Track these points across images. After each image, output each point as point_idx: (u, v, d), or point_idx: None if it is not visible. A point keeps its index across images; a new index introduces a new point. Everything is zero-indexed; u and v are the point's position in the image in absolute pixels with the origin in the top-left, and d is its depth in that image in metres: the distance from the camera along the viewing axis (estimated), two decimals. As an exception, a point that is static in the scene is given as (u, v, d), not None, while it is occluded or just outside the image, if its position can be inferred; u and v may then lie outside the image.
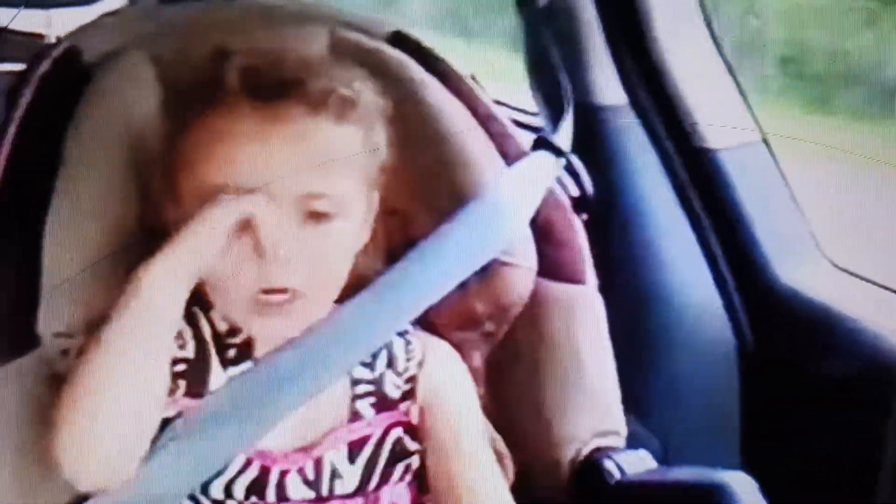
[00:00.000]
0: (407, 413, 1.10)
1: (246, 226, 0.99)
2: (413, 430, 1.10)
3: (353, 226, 1.06)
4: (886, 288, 1.51)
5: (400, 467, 1.09)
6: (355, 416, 1.08)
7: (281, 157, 1.00)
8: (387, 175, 1.10)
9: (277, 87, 1.01)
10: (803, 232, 1.58)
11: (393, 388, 1.10)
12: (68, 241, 1.08)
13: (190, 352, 1.06)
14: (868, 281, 1.55)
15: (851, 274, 1.56)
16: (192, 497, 1.05)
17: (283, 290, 1.02)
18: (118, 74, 1.15)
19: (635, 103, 1.58)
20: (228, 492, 1.04)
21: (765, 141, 1.57)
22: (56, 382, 1.07)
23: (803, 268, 1.55)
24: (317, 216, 1.02)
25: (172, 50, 1.17)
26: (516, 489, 1.15)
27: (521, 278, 1.19)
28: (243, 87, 1.01)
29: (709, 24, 1.58)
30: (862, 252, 1.59)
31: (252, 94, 1.01)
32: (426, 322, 1.16)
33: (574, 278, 1.23)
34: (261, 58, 1.04)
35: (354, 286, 1.09)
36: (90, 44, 1.18)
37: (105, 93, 1.14)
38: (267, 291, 1.01)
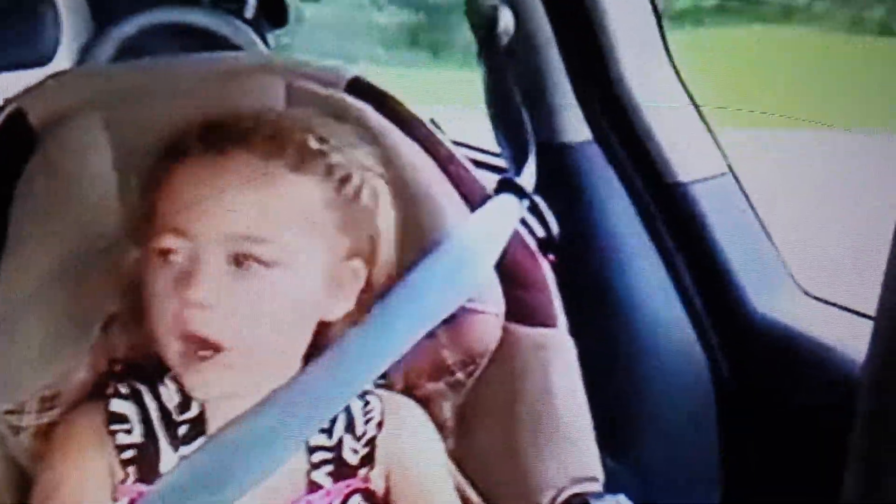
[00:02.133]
0: (366, 479, 1.07)
1: (167, 262, 0.97)
2: (373, 497, 1.07)
3: (301, 284, 1.01)
4: (860, 314, 1.51)
5: None
6: (313, 486, 1.04)
7: (224, 199, 0.98)
8: (379, 245, 1.06)
9: (233, 136, 1.00)
10: (775, 261, 1.57)
11: (351, 453, 1.06)
12: (15, 315, 1.05)
13: (137, 436, 1.03)
14: (842, 308, 1.54)
15: (824, 301, 1.56)
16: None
17: (205, 341, 0.98)
18: (66, 137, 1.13)
19: (601, 139, 1.58)
20: None
21: (731, 171, 1.57)
22: (9, 462, 1.05)
23: (777, 297, 1.54)
24: (248, 258, 0.98)
25: (124, 111, 1.15)
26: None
27: (490, 324, 1.17)
28: (201, 141, 1.00)
29: (669, 56, 1.57)
30: (833, 278, 1.59)
31: (209, 146, 1.00)
32: (392, 374, 1.13)
33: (544, 321, 1.20)
34: (221, 111, 1.03)
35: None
36: (36, 106, 1.15)
37: (53, 157, 1.12)
38: (189, 339, 0.98)
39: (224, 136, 1.00)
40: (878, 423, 0.59)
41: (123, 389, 1.05)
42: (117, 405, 1.04)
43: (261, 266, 0.98)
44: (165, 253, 0.98)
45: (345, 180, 1.03)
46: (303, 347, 1.05)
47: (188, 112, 1.05)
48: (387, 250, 1.07)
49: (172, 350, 0.99)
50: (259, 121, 1.02)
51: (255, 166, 0.99)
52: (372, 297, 1.07)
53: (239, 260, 0.98)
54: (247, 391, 1.03)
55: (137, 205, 1.04)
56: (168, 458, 1.02)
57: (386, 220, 1.07)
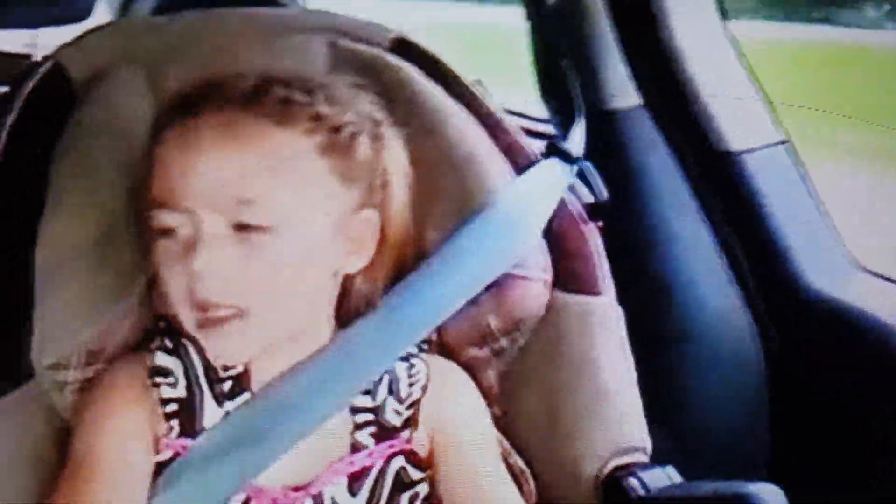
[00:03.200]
0: (409, 441, 1.06)
1: (174, 233, 0.97)
2: (416, 459, 1.06)
3: (304, 241, 0.99)
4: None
5: (405, 497, 1.05)
6: (355, 447, 1.04)
7: (209, 163, 0.96)
8: (389, 194, 1.05)
9: (212, 95, 0.98)
10: (829, 233, 1.53)
11: (394, 415, 1.06)
12: (61, 269, 1.05)
13: (181, 390, 1.02)
14: (897, 282, 1.50)
15: (879, 276, 1.52)
16: (189, 537, 1.01)
17: (219, 308, 0.96)
18: (108, 93, 1.12)
19: (651, 106, 1.54)
20: None
21: (788, 141, 1.53)
22: (53, 416, 1.05)
23: (830, 270, 1.51)
24: (246, 228, 0.96)
25: (165, 65, 1.14)
26: (539, 507, 1.11)
27: (535, 291, 1.15)
28: (183, 103, 0.99)
29: (724, 21, 1.53)
30: (889, 252, 1.55)
31: (191, 107, 0.98)
32: (437, 340, 1.12)
33: (590, 289, 1.18)
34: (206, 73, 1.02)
35: (357, 311, 1.06)
36: (76, 61, 1.15)
37: (94, 113, 1.11)
38: (202, 308, 0.96)
39: (204, 97, 0.98)
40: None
41: (168, 343, 1.04)
42: (161, 359, 1.03)
43: (261, 232, 0.96)
44: (164, 230, 0.97)
45: (336, 129, 1.00)
46: (328, 302, 1.05)
47: (228, 69, 1.03)
48: (400, 196, 1.06)
49: (189, 320, 0.99)
50: (239, 77, 1.00)
51: (236, 123, 0.97)
52: (390, 246, 1.06)
53: (237, 228, 0.96)
54: (285, 348, 1.02)
55: (139, 177, 1.03)
56: (211, 413, 1.02)
57: (395, 165, 1.05)
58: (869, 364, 1.42)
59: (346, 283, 1.05)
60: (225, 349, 0.99)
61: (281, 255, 0.97)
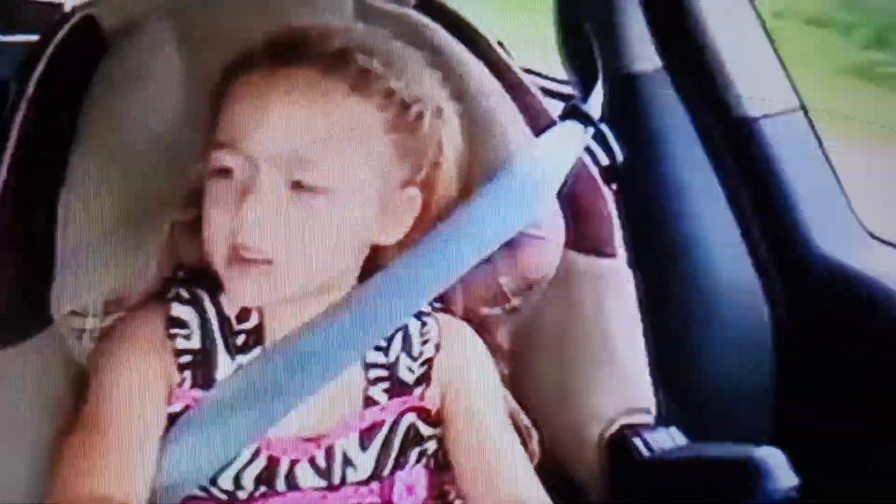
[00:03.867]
0: (421, 398, 1.08)
1: (229, 175, 0.98)
2: (427, 415, 1.08)
3: (352, 210, 1.00)
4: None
5: (414, 452, 1.07)
6: (368, 401, 1.06)
7: (282, 118, 0.97)
8: (439, 174, 1.05)
9: (295, 51, 0.99)
10: (841, 201, 1.54)
11: (407, 372, 1.07)
12: (82, 218, 1.06)
13: (195, 342, 1.04)
14: (909, 251, 1.51)
15: (890, 244, 1.53)
16: (201, 487, 1.03)
17: (255, 252, 0.98)
18: (136, 45, 1.13)
19: (671, 70, 1.54)
20: (238, 483, 1.02)
21: (804, 108, 1.54)
22: (70, 362, 1.07)
23: (841, 237, 1.52)
24: (299, 187, 0.97)
25: (194, 18, 1.15)
26: (544, 466, 1.13)
27: (549, 251, 1.17)
28: (265, 53, 1.00)
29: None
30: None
31: (270, 59, 0.99)
32: (450, 298, 1.14)
33: (603, 251, 1.20)
34: (287, 25, 1.02)
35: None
36: (107, 13, 1.15)
37: (123, 63, 1.12)
38: (237, 249, 0.98)
39: (288, 49, 0.99)
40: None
41: (185, 294, 1.06)
42: (178, 309, 1.05)
43: (313, 193, 0.98)
44: (223, 170, 0.99)
45: (406, 106, 1.01)
46: (355, 268, 1.06)
47: (256, 22, 1.04)
48: (448, 179, 1.06)
49: (219, 255, 1.00)
50: (326, 37, 1.01)
51: (314, 83, 0.98)
52: (428, 224, 1.07)
53: (292, 185, 0.97)
54: (300, 305, 1.04)
55: (205, 119, 1.03)
56: (225, 365, 1.04)
57: (451, 148, 1.06)
58: (878, 332, 1.44)
59: (376, 253, 1.06)
60: (244, 290, 1.01)
61: (325, 219, 0.99)
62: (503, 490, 1.05)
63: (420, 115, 1.02)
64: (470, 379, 1.10)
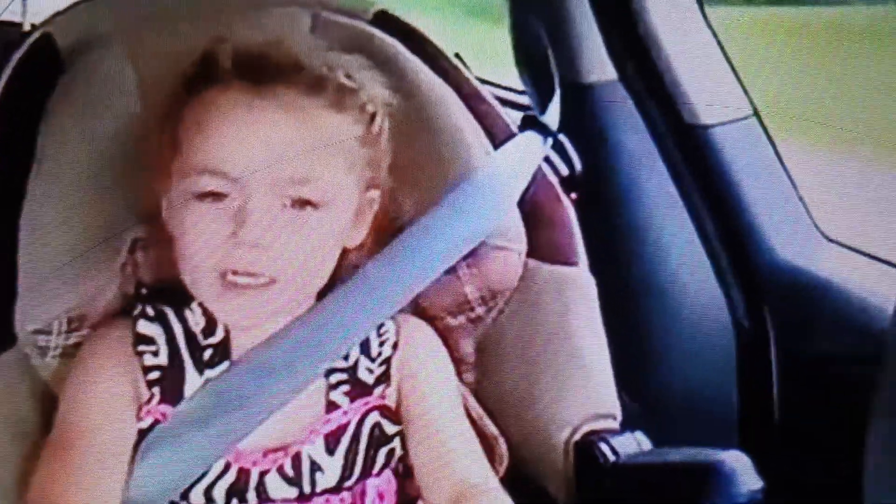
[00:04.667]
0: (383, 396, 1.08)
1: (219, 201, 0.98)
2: (390, 413, 1.08)
3: (340, 220, 1.03)
4: (881, 260, 1.50)
5: (382, 453, 1.07)
6: (331, 406, 1.06)
7: (269, 139, 0.98)
8: (395, 175, 1.08)
9: (272, 71, 1.00)
10: (797, 205, 1.56)
11: (367, 373, 1.08)
12: (44, 236, 1.06)
13: (163, 358, 1.04)
14: (863, 254, 1.53)
15: (846, 247, 1.55)
16: (171, 503, 1.02)
17: (253, 274, 0.99)
18: (91, 65, 1.13)
19: (625, 80, 1.56)
20: (209, 497, 1.02)
21: (756, 114, 1.56)
22: (35, 381, 1.07)
23: (798, 241, 1.54)
24: (301, 203, 0.99)
25: (150, 38, 1.14)
26: (511, 473, 1.14)
27: (512, 261, 1.18)
28: (236, 70, 1.00)
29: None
30: (854, 224, 1.58)
31: (244, 78, 0.99)
32: (415, 307, 1.15)
33: (565, 259, 1.21)
34: (255, 42, 1.02)
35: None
36: (64, 32, 1.15)
37: (77, 84, 1.12)
38: (236, 273, 0.99)
39: (263, 68, 1.00)
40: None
41: (150, 311, 1.06)
42: (144, 326, 1.05)
43: (311, 207, 0.99)
44: (213, 195, 0.98)
45: (374, 117, 1.04)
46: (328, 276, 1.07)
47: (213, 40, 1.04)
48: (387, 176, 1.09)
49: (206, 281, 1.00)
50: (299, 56, 1.02)
51: (298, 104, 0.99)
52: (383, 223, 1.09)
53: (293, 203, 0.99)
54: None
55: (159, 134, 1.03)
56: (193, 380, 1.04)
57: (390, 148, 1.08)
58: (834, 332, 1.46)
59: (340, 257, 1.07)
60: (241, 312, 1.02)
61: (321, 231, 1.01)
62: (454, 476, 1.06)
63: (381, 128, 1.05)
64: (425, 373, 1.11)
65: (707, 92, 1.54)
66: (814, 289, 1.49)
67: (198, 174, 0.99)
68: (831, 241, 1.56)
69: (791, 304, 1.51)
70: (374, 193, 1.07)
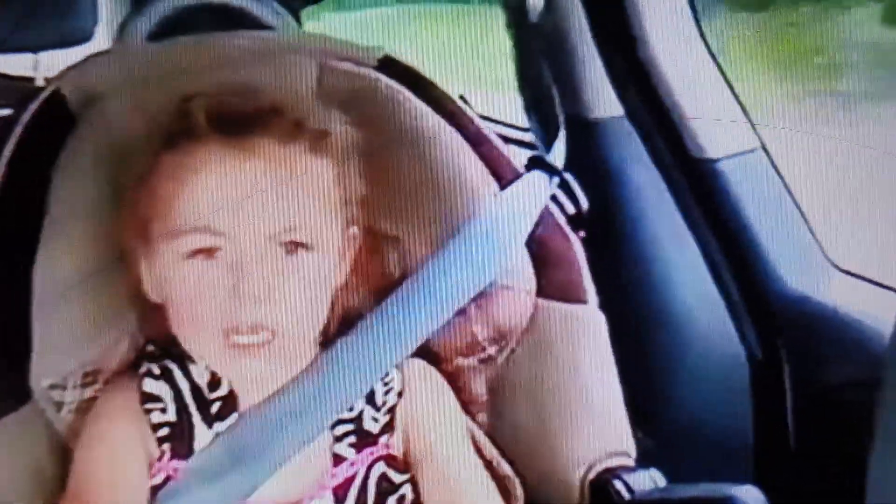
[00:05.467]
0: (388, 446, 1.08)
1: (211, 257, 0.99)
2: (395, 462, 1.08)
3: (328, 260, 1.04)
4: (890, 288, 1.50)
5: (392, 500, 1.07)
6: (337, 459, 1.06)
7: (253, 190, 0.98)
8: (367, 209, 1.09)
9: (246, 121, 1.00)
10: (806, 236, 1.56)
11: (372, 422, 1.08)
12: (57, 291, 1.06)
13: (171, 415, 1.05)
14: (873, 283, 1.53)
15: (856, 276, 1.55)
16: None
17: (256, 331, 0.99)
18: (102, 119, 1.13)
19: (631, 115, 1.57)
20: None
21: (763, 147, 1.56)
22: (52, 435, 1.07)
23: (808, 272, 1.54)
24: (293, 246, 1.00)
25: (160, 90, 1.14)
26: (527, 513, 1.14)
27: (521, 301, 1.18)
28: (211, 123, 1.00)
29: (701, 32, 1.57)
30: (865, 253, 1.58)
31: (220, 131, 1.00)
32: (425, 350, 1.14)
33: (575, 297, 1.21)
34: (227, 94, 1.03)
35: (341, 324, 1.09)
36: (74, 87, 1.16)
37: (89, 135, 1.13)
38: (240, 331, 0.99)
39: (237, 120, 1.00)
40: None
41: (155, 370, 1.06)
42: (150, 385, 1.05)
43: (303, 249, 1.00)
44: (204, 252, 0.99)
45: (347, 157, 1.05)
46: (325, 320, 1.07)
47: (196, 92, 1.05)
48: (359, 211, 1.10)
49: (210, 344, 1.00)
50: (275, 104, 1.02)
51: (277, 153, 1.00)
52: (365, 258, 1.10)
53: (286, 248, 1.00)
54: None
55: (134, 193, 1.04)
56: (202, 434, 1.04)
57: (362, 183, 1.09)
58: (847, 363, 1.45)
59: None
60: (249, 372, 1.02)
61: (315, 273, 1.02)
62: None
63: (355, 169, 1.06)
64: (429, 416, 1.11)
65: (713, 125, 1.55)
66: (825, 318, 1.49)
67: (185, 234, 0.99)
68: (841, 270, 1.56)
69: (803, 334, 1.51)
70: (355, 230, 1.08)
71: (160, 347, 1.08)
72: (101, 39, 1.79)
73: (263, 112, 1.01)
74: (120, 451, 1.03)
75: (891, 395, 0.59)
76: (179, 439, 1.04)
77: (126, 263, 1.06)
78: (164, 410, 1.04)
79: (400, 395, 1.10)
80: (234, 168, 0.99)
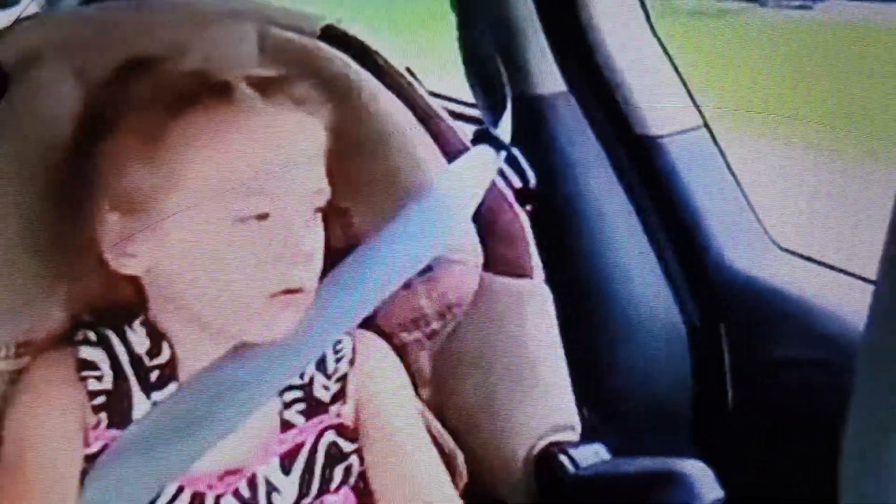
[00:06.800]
0: (339, 415, 1.07)
1: (263, 220, 0.97)
2: (346, 431, 1.07)
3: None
4: (832, 268, 1.52)
5: (339, 470, 1.05)
6: (286, 425, 1.05)
7: (293, 153, 0.99)
8: (348, 193, 1.09)
9: (271, 84, 0.99)
10: (748, 215, 1.58)
11: (322, 390, 1.06)
12: None
13: (107, 382, 1.02)
14: (815, 261, 1.55)
15: (798, 255, 1.56)
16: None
17: (298, 290, 0.99)
18: (34, 83, 1.10)
19: (575, 91, 1.57)
20: None
21: (706, 125, 1.57)
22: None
23: (750, 250, 1.55)
24: (319, 211, 1.01)
25: (93, 56, 1.10)
26: (471, 487, 1.14)
27: (467, 275, 1.17)
28: (250, 86, 0.98)
29: (645, 9, 1.57)
30: (806, 231, 1.60)
31: (260, 92, 0.98)
32: (371, 323, 1.13)
33: (521, 272, 1.21)
34: (177, 58, 1.01)
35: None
36: (7, 49, 1.12)
37: (18, 104, 1.09)
38: (286, 292, 0.98)
39: (267, 83, 0.99)
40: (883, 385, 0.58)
41: (92, 336, 1.04)
42: (86, 352, 1.03)
43: (321, 213, 1.01)
44: (255, 217, 0.97)
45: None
46: None
47: (162, 59, 1.02)
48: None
49: (251, 307, 0.98)
50: (282, 75, 1.02)
51: (300, 120, 1.00)
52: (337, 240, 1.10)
53: (316, 212, 1.01)
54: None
55: (100, 165, 1.00)
56: (141, 403, 1.02)
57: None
58: (787, 339, 1.47)
59: None
60: (284, 327, 1.00)
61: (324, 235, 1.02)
62: (414, 494, 1.05)
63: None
64: (382, 389, 1.09)
65: (656, 103, 1.55)
66: (765, 294, 1.50)
67: (248, 197, 0.96)
68: (782, 249, 1.57)
69: (743, 310, 1.52)
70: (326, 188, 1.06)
71: (95, 313, 1.05)
72: (30, 4, 1.75)
73: (278, 76, 1.01)
74: (53, 420, 1.00)
75: (864, 383, 0.58)
76: (117, 408, 1.01)
77: (80, 232, 1.02)
78: (100, 379, 1.02)
79: (351, 363, 1.08)
80: (275, 130, 0.98)
